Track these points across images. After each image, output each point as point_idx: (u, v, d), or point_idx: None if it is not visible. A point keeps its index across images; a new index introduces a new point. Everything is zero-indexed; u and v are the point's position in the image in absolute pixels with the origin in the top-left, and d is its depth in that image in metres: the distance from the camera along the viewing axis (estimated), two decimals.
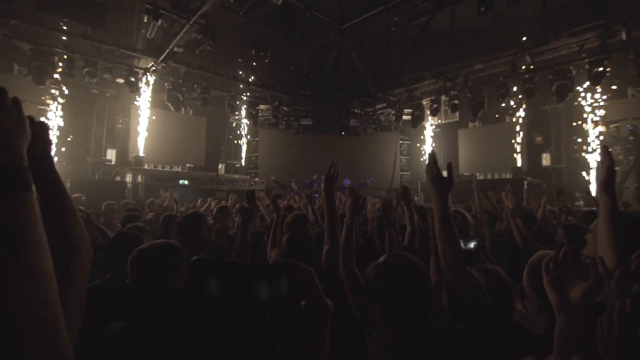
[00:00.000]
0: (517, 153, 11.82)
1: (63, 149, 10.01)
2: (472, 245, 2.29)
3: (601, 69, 7.26)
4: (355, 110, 12.52)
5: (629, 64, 7.01)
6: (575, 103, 10.23)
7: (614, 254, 1.24)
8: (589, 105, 10.05)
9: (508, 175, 11.39)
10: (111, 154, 11.58)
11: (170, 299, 1.30)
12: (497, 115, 12.43)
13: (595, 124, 9.87)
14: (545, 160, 11.64)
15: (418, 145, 15.20)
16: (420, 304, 1.08)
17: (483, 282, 1.65)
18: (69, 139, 10.12)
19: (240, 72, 11.50)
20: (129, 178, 10.12)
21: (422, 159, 14.90)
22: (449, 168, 1.44)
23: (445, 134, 14.71)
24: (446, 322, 1.49)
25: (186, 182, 11.04)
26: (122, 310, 1.36)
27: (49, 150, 0.88)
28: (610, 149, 1.37)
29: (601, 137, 9.74)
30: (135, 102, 11.13)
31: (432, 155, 1.47)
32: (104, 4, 7.89)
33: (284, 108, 12.12)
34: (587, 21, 7.03)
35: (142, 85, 9.84)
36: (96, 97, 11.27)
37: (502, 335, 1.17)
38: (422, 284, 1.10)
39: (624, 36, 6.89)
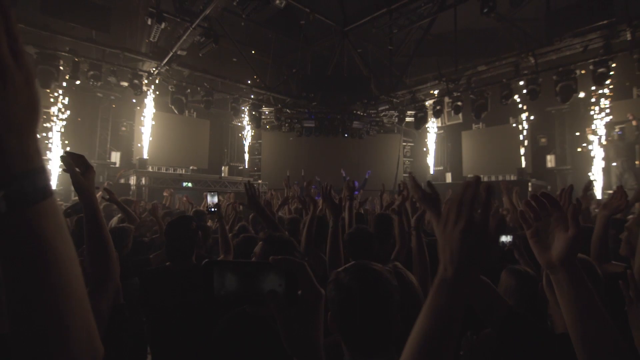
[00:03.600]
0: (521, 154, 11.75)
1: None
2: (506, 241, 2.17)
3: (605, 69, 7.21)
4: (358, 112, 12.51)
5: (634, 64, 6.95)
6: (581, 100, 10.17)
7: None
8: (593, 106, 9.98)
9: (512, 177, 11.32)
10: (115, 157, 11.65)
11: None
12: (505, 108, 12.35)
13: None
14: (550, 161, 11.55)
15: (422, 148, 15.17)
16: (376, 326, 0.92)
17: (513, 285, 1.58)
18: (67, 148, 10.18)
19: (243, 75, 11.55)
20: (133, 180, 10.18)
21: (426, 162, 14.86)
22: (430, 185, 1.37)
23: (448, 135, 14.66)
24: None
25: (190, 184, 11.08)
26: None
27: (94, 192, 1.11)
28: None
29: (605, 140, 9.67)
30: (139, 105, 11.21)
31: (413, 178, 1.38)
32: (109, 7, 7.96)
33: (287, 110, 12.15)
34: (591, 22, 6.98)
35: (146, 88, 9.90)
36: (101, 100, 11.35)
37: (525, 339, 1.12)
38: (383, 301, 0.93)
39: (628, 36, 6.83)
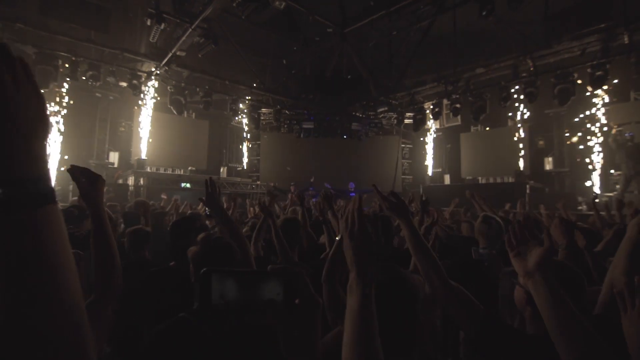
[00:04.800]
0: (519, 157, 11.77)
1: (66, 157, 10.03)
2: (482, 252, 2.22)
3: (603, 72, 7.25)
4: (357, 114, 12.54)
5: (632, 68, 6.99)
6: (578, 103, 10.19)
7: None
8: (592, 108, 10.02)
9: (510, 179, 11.33)
10: (114, 157, 11.62)
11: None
12: (507, 113, 12.38)
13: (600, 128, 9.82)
14: (548, 164, 11.57)
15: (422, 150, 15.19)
16: (400, 324, 0.94)
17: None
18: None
19: (243, 76, 11.55)
20: (131, 181, 10.15)
21: (424, 163, 14.89)
22: (392, 193, 1.43)
23: (447, 137, 14.68)
24: (439, 338, 1.39)
25: (188, 185, 11.06)
26: None
27: (101, 203, 1.15)
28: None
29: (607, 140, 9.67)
30: (138, 106, 11.19)
31: (359, 198, 1.35)
32: (108, 8, 7.95)
33: (286, 111, 12.15)
34: (589, 25, 7.02)
35: (145, 88, 9.90)
36: (99, 101, 11.33)
37: (502, 342, 1.14)
38: (410, 302, 0.97)
39: (626, 40, 6.88)
